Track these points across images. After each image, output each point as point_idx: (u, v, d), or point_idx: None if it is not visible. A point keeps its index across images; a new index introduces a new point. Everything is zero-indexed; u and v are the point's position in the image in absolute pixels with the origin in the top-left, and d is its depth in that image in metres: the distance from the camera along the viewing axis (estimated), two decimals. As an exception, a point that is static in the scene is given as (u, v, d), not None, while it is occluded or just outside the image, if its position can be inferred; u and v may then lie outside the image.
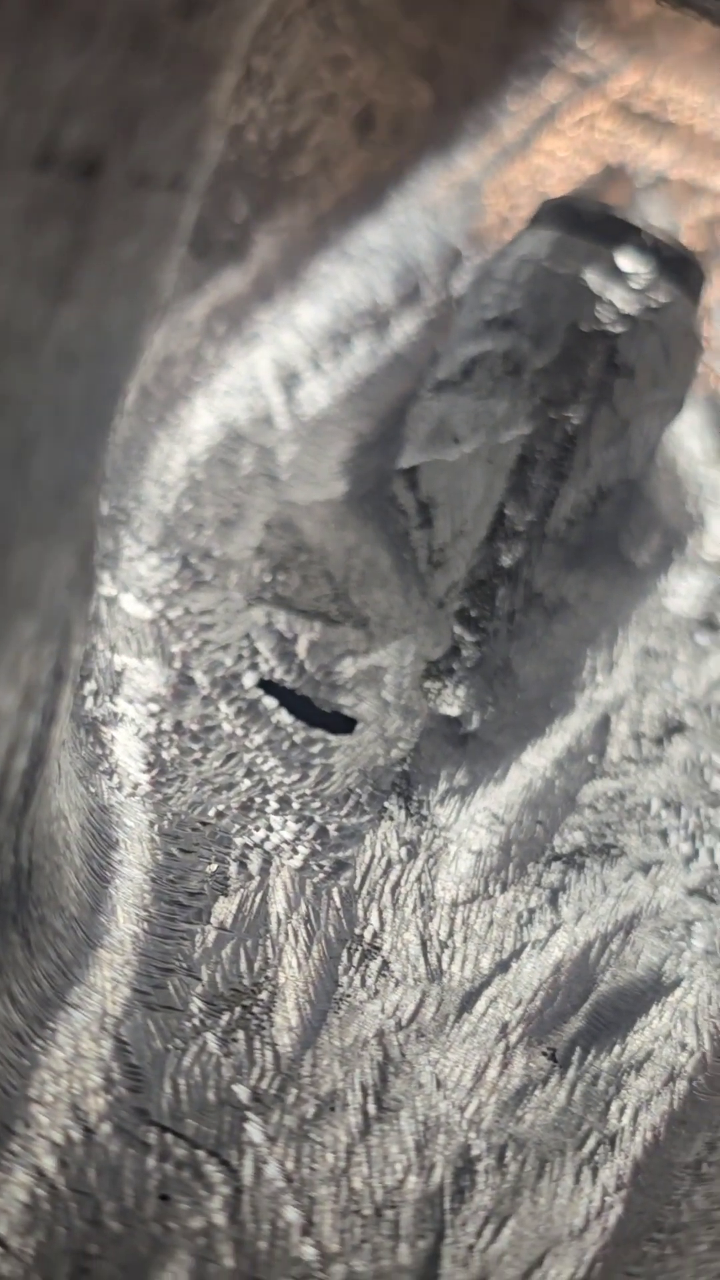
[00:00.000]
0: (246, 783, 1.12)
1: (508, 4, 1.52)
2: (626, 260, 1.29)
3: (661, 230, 1.32)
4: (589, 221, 1.31)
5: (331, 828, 1.10)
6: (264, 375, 1.36)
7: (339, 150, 1.41)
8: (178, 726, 1.13)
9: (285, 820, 1.10)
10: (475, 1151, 0.95)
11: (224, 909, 1.03)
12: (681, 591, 1.34)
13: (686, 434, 1.45)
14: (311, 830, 1.10)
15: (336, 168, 1.41)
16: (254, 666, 1.18)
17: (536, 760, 1.19)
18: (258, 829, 1.09)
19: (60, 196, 0.65)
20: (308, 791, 1.12)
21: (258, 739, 1.14)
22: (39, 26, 0.60)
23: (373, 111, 1.43)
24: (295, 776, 1.13)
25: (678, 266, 1.31)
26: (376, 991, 1.02)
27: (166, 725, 1.13)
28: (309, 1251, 0.87)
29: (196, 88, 0.73)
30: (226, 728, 1.14)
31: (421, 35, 1.45)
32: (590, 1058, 1.02)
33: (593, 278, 1.27)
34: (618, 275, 1.28)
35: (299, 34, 1.33)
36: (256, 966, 1.00)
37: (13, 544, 0.74)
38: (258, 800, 1.11)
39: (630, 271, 1.29)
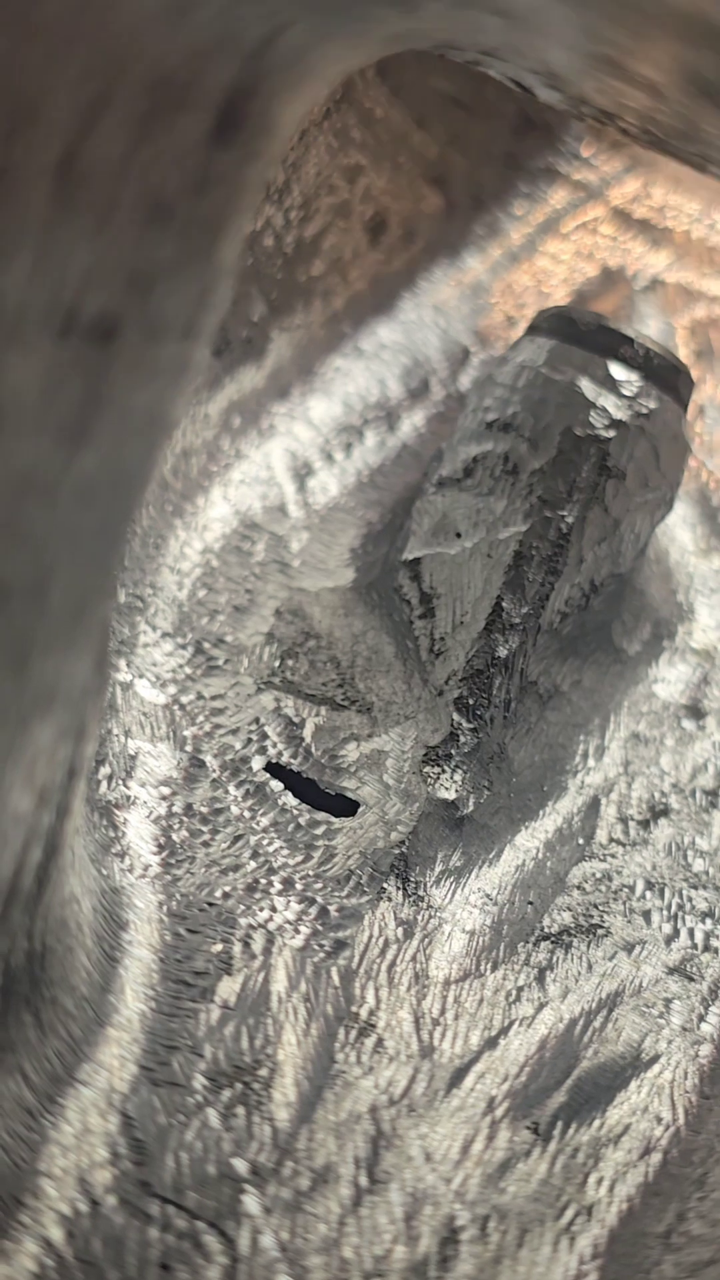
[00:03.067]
0: (252, 864, 1.18)
1: (515, 115, 1.59)
2: (619, 369, 1.35)
3: (653, 340, 1.38)
4: (585, 331, 1.38)
5: (332, 908, 1.16)
6: (278, 466, 1.43)
7: (352, 253, 1.48)
8: (188, 809, 1.20)
9: (288, 901, 1.16)
10: (460, 1222, 1.00)
11: (228, 988, 1.09)
12: (670, 678, 1.39)
13: (678, 525, 1.51)
14: (313, 911, 1.16)
15: (350, 269, 1.48)
16: (262, 750, 1.25)
17: (529, 842, 1.25)
18: (262, 910, 1.15)
19: (79, 360, 0.72)
20: (311, 873, 1.18)
21: (264, 821, 1.20)
22: (60, 216, 0.67)
23: (385, 216, 1.50)
24: (299, 858, 1.19)
25: (667, 375, 1.37)
26: (371, 1068, 1.08)
27: (177, 808, 1.20)
28: (300, 1318, 0.92)
29: (208, 250, 0.79)
30: (235, 810, 1.21)
31: (432, 144, 1.52)
32: (571, 1131, 1.08)
33: (587, 385, 1.33)
34: (610, 383, 1.34)
35: (314, 145, 1.40)
36: (258, 1044, 1.06)
37: (31, 660, 0.80)
38: (263, 881, 1.17)
39: (622, 379, 1.35)
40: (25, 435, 0.71)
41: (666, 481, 1.37)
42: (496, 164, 1.59)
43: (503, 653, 1.28)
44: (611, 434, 1.32)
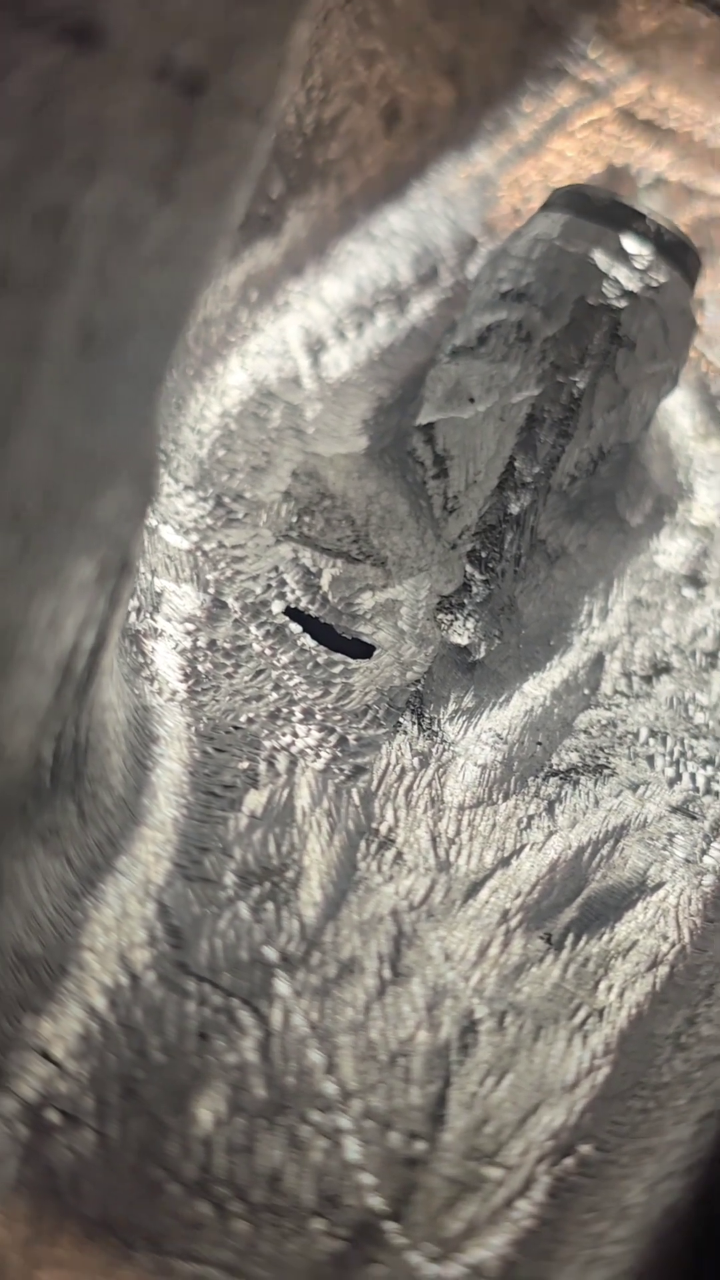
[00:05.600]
0: (274, 695, 1.22)
1: (525, 13, 1.64)
2: (631, 242, 1.40)
3: (663, 216, 1.44)
4: (598, 206, 1.43)
5: (351, 737, 1.20)
6: (293, 340, 1.47)
7: (367, 138, 1.52)
8: (211, 644, 1.24)
9: (309, 729, 1.20)
10: (478, 1015, 1.05)
11: (254, 800, 1.13)
12: (671, 550, 1.45)
13: (678, 411, 1.56)
14: (333, 739, 1.20)
15: (364, 154, 1.52)
16: (281, 595, 1.29)
17: (537, 690, 1.30)
18: (284, 735, 1.19)
19: (170, 108, 0.76)
20: (330, 706, 1.22)
21: (284, 658, 1.25)
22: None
23: (399, 104, 1.54)
24: (318, 693, 1.23)
25: (676, 250, 1.42)
26: (391, 877, 1.12)
27: (201, 643, 1.23)
28: (331, 1088, 0.97)
29: (281, 30, 0.83)
30: (256, 647, 1.25)
31: (446, 37, 1.57)
32: (582, 943, 1.12)
33: (600, 257, 1.38)
34: (623, 255, 1.39)
35: (336, 27, 1.45)
36: (284, 849, 1.10)
37: (105, 417, 0.83)
38: (284, 710, 1.21)
39: (634, 252, 1.40)
40: (121, 170, 0.75)
41: (673, 355, 1.42)
42: (507, 60, 1.64)
43: (515, 509, 1.32)
44: (623, 304, 1.37)
